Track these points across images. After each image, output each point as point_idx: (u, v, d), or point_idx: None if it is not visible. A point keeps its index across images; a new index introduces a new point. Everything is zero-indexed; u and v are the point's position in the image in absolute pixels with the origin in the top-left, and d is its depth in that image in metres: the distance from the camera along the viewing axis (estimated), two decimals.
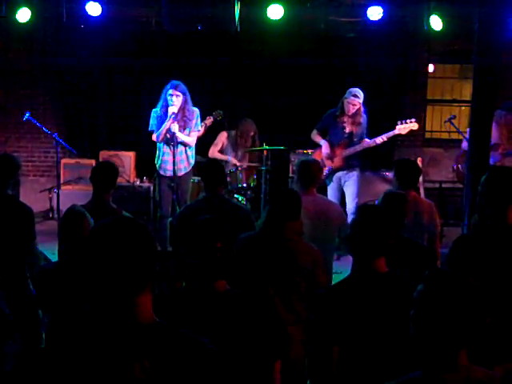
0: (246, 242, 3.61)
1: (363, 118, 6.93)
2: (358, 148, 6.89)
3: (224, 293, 2.55)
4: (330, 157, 6.98)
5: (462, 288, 1.83)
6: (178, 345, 1.70)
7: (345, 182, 7.02)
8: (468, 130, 6.83)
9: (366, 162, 7.62)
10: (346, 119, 6.89)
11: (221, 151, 7.92)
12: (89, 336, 1.70)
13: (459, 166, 7.44)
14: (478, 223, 3.57)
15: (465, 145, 7.11)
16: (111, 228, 1.73)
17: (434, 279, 1.87)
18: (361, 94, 6.85)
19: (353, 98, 6.80)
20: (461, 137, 7.39)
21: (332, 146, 7.00)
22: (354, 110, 6.83)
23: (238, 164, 7.73)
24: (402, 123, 6.81)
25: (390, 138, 6.92)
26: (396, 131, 6.81)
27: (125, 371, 1.63)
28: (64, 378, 1.65)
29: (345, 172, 7.00)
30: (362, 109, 6.89)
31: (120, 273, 1.68)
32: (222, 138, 7.96)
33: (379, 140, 6.83)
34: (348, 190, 7.00)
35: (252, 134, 7.93)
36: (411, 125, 6.80)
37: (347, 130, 6.91)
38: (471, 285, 1.84)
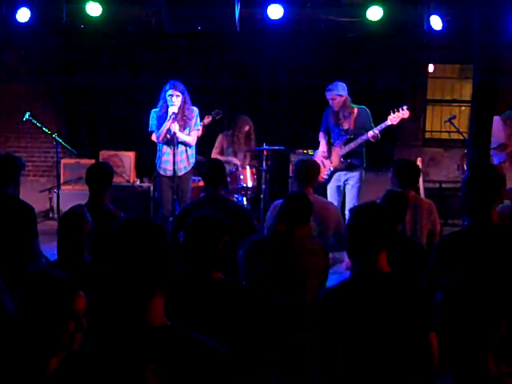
0: (254, 246, 3.64)
1: (354, 111, 6.70)
2: (353, 145, 6.64)
3: (219, 281, 2.60)
4: (327, 156, 6.81)
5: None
6: (189, 348, 1.70)
7: (346, 183, 6.77)
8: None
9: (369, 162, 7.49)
10: (340, 116, 6.71)
11: (221, 153, 8.06)
12: (100, 339, 1.71)
13: (464, 164, 7.25)
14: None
15: None
16: (128, 229, 1.74)
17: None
18: (337, 86, 6.63)
19: (327, 92, 6.67)
20: (461, 137, 7.37)
21: (331, 144, 6.87)
22: (338, 104, 6.65)
23: (238, 163, 7.81)
24: (393, 112, 6.52)
25: (383, 131, 6.53)
26: (388, 122, 6.50)
27: (137, 374, 1.64)
28: (77, 381, 1.66)
29: (344, 172, 6.75)
30: (349, 100, 6.68)
31: (136, 275, 1.69)
32: (220, 140, 8.13)
33: (371, 134, 6.49)
34: (348, 192, 6.74)
35: (246, 130, 8.00)
36: (402, 113, 6.49)
37: (344, 127, 6.73)
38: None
